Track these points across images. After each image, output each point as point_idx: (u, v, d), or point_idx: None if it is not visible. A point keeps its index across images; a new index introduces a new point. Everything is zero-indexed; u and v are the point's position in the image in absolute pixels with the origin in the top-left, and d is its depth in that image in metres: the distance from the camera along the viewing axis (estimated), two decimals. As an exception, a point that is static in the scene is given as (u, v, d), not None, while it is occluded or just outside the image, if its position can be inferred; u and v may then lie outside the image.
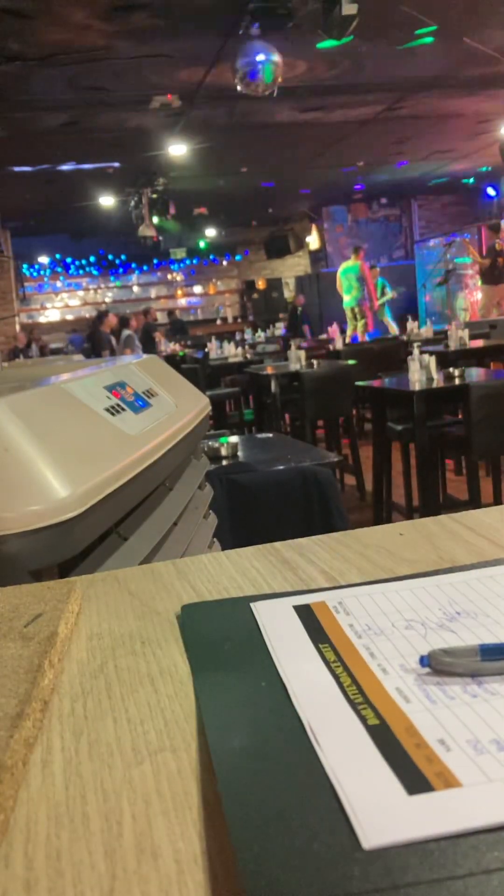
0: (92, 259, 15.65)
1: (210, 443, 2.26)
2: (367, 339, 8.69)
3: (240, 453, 2.27)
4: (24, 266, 14.66)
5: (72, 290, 15.88)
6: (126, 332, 10.51)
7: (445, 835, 0.25)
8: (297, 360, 5.33)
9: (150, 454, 0.78)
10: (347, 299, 10.78)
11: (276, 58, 4.96)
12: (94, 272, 15.89)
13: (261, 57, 4.96)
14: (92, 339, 10.57)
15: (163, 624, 0.46)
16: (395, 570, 0.50)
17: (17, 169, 8.57)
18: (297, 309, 12.77)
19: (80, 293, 15.92)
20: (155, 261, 15.33)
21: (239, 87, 5.42)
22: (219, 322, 15.82)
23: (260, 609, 0.45)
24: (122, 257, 15.63)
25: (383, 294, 11.22)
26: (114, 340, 10.18)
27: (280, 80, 5.31)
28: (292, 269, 15.84)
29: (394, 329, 10.68)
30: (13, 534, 0.56)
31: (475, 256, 10.52)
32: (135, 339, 10.51)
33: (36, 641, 0.41)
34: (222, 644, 0.41)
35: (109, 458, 0.69)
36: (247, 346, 8.95)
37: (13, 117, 6.71)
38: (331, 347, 7.12)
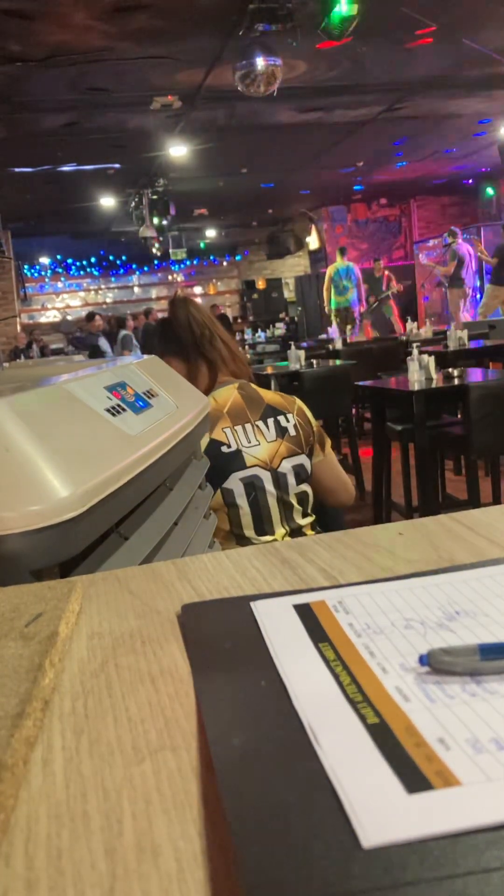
0: (93, 259, 15.66)
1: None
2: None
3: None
4: (25, 267, 14.67)
5: (73, 291, 15.89)
6: (123, 333, 10.53)
7: (445, 833, 0.25)
8: (296, 360, 5.33)
9: (150, 454, 0.78)
10: (338, 300, 10.80)
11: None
12: (95, 273, 15.90)
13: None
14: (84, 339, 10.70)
15: (163, 623, 0.46)
16: (395, 570, 0.50)
17: (18, 170, 8.57)
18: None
19: (81, 294, 15.93)
20: (155, 261, 15.34)
21: (239, 88, 5.42)
22: (219, 322, 15.83)
23: (260, 608, 0.45)
24: (123, 258, 15.64)
25: (388, 287, 11.21)
26: (103, 341, 10.20)
27: (280, 80, 5.31)
28: (292, 269, 15.84)
29: (399, 327, 10.62)
30: (14, 533, 0.56)
31: (484, 256, 10.50)
32: (132, 339, 10.53)
33: (36, 641, 0.41)
34: (222, 643, 0.41)
35: (110, 459, 0.69)
36: (246, 347, 8.96)
37: (14, 118, 6.71)
38: (331, 347, 7.13)
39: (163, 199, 10.21)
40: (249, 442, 1.63)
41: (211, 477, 1.23)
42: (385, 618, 0.42)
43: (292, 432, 1.69)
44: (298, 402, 1.77)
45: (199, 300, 16.83)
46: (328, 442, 1.81)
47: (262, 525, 1.63)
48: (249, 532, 1.62)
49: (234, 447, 1.62)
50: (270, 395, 1.74)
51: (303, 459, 1.69)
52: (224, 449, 1.61)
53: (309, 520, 1.70)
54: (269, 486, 1.62)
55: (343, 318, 10.76)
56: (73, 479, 0.61)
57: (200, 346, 1.75)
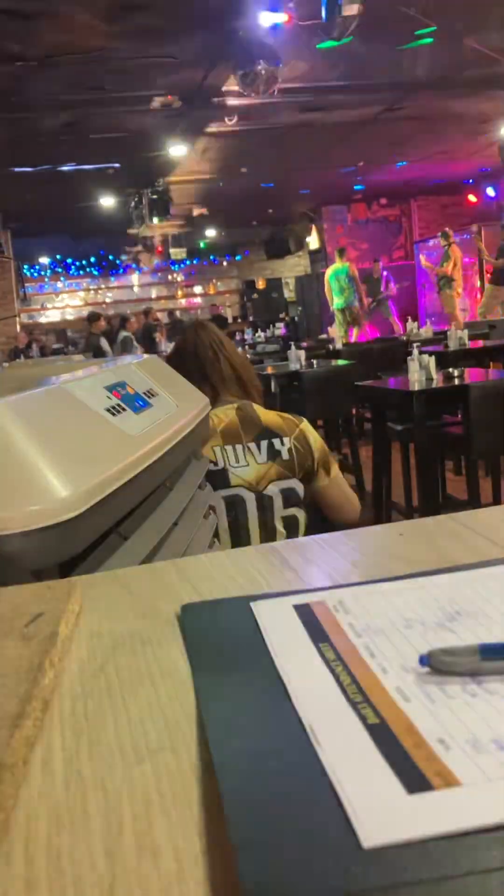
0: (92, 259, 15.64)
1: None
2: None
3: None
4: (25, 266, 14.65)
5: (72, 291, 15.89)
6: (123, 334, 10.48)
7: (445, 834, 0.25)
8: (297, 360, 5.33)
9: (150, 454, 0.78)
10: (338, 301, 10.82)
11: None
12: (95, 272, 15.89)
13: None
14: (87, 340, 10.66)
15: (163, 624, 0.46)
16: (395, 570, 0.50)
17: (17, 169, 8.57)
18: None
19: (81, 293, 15.92)
20: (155, 261, 15.33)
21: (239, 88, 5.42)
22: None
23: (260, 608, 0.45)
24: (123, 257, 15.63)
25: (388, 288, 11.22)
26: (104, 341, 10.16)
27: (280, 80, 5.31)
28: (292, 269, 15.84)
29: (398, 328, 10.62)
30: (14, 534, 0.56)
31: (485, 255, 10.48)
32: (132, 341, 10.47)
33: (37, 641, 0.41)
34: (222, 644, 0.41)
35: (110, 459, 0.69)
36: (246, 346, 8.96)
37: (14, 118, 6.71)
38: (330, 347, 7.13)
39: (163, 199, 10.20)
40: (238, 462, 1.62)
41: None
42: (385, 618, 0.42)
43: (285, 456, 1.67)
44: (303, 425, 1.74)
45: (198, 300, 16.69)
46: (335, 464, 1.78)
47: (242, 546, 1.61)
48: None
49: (220, 465, 1.62)
50: (270, 417, 1.72)
51: (294, 483, 1.67)
52: (211, 467, 1.61)
53: None
54: (252, 508, 1.61)
55: (344, 318, 10.78)
56: (73, 479, 0.61)
57: (203, 369, 1.76)
